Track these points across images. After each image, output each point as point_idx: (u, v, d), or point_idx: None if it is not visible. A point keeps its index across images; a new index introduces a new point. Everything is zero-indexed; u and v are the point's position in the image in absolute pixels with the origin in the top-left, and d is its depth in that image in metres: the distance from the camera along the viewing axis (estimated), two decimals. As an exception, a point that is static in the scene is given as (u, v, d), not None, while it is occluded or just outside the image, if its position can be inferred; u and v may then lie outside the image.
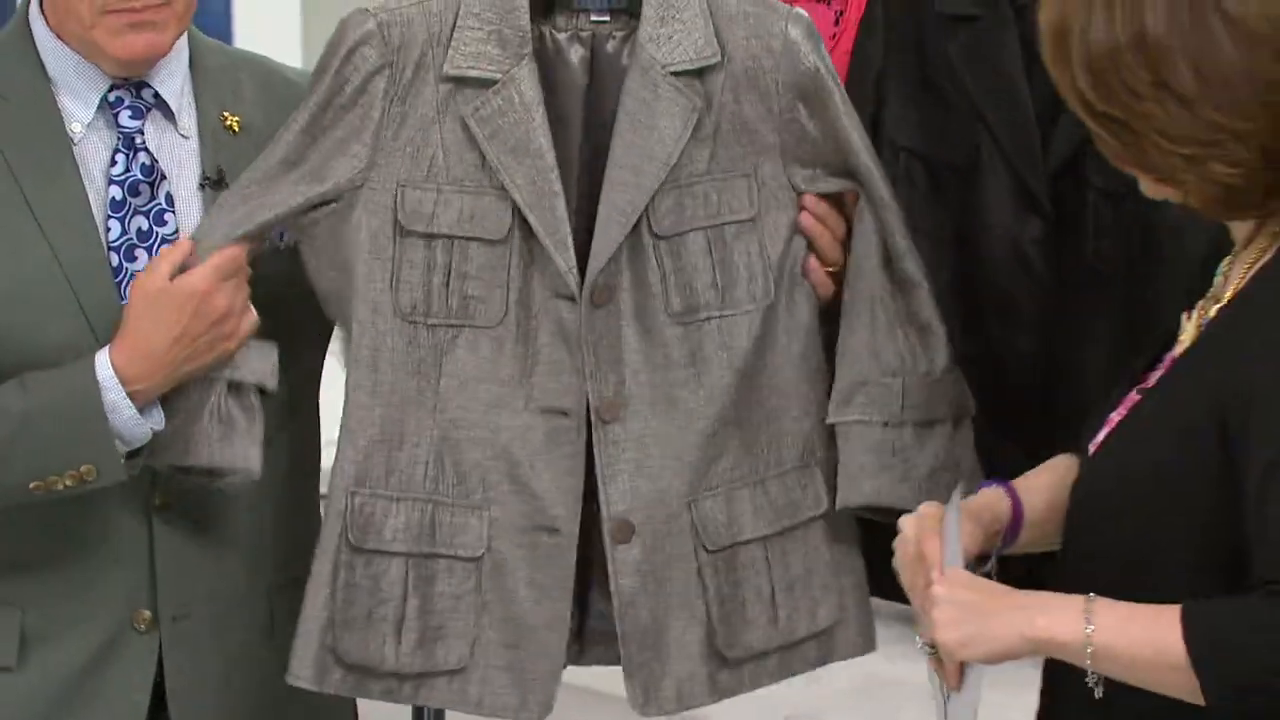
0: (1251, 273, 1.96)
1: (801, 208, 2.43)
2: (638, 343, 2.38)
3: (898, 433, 2.41)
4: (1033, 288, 2.53)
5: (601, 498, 2.38)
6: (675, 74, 2.36)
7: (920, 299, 2.42)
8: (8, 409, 2.32)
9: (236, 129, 2.48)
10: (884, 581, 2.24)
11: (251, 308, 2.37)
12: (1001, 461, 2.38)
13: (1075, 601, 1.87)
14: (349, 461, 2.38)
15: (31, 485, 2.33)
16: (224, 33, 6.47)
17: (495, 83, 2.34)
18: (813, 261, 2.44)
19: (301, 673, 2.39)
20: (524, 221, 2.35)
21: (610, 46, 2.41)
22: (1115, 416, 2.05)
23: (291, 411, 2.51)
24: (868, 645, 2.52)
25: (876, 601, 2.49)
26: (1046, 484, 2.16)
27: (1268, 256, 1.96)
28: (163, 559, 2.42)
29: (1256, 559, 1.82)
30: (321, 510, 2.45)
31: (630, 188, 2.35)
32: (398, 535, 2.37)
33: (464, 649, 2.37)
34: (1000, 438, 2.50)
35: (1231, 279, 1.99)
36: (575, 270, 2.34)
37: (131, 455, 2.36)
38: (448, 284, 2.36)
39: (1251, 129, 1.86)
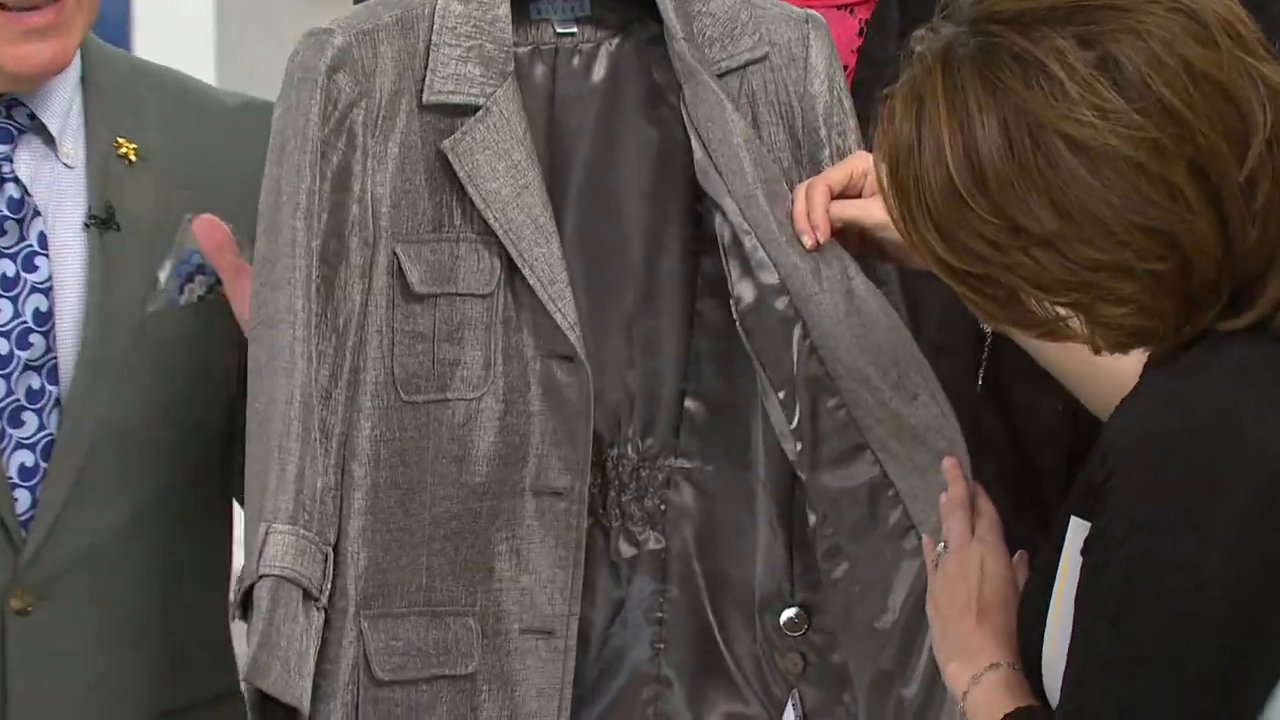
0: None
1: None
2: None
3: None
4: None
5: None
6: (721, 75, 2.23)
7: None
8: None
9: (133, 158, 2.28)
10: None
11: None
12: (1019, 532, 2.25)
13: (980, 662, 1.98)
14: (349, 579, 2.19)
15: None
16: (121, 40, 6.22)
17: (477, 109, 2.18)
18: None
19: None
20: (510, 269, 2.19)
21: (576, 62, 2.27)
22: None
23: (201, 511, 2.34)
24: None
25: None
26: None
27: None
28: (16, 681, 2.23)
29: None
30: (231, 622, 2.27)
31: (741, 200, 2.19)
32: (395, 655, 2.20)
33: None
34: (1017, 509, 2.34)
35: None
36: (579, 325, 2.18)
37: None
38: (433, 350, 2.19)
39: (1131, 258, 1.72)
